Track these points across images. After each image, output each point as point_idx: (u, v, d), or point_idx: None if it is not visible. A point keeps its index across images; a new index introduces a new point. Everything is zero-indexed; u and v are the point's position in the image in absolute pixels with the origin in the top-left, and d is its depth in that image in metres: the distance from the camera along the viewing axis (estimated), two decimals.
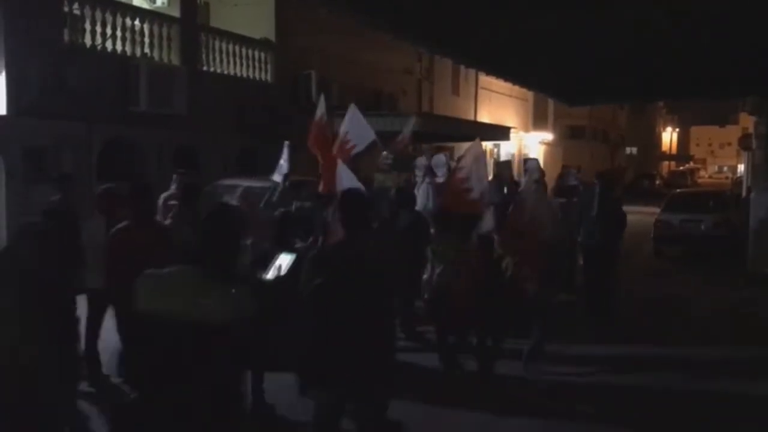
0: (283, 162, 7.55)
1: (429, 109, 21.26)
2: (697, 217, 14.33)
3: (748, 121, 30.35)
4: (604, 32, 9.66)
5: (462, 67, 23.74)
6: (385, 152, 9.60)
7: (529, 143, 32.23)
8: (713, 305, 10.23)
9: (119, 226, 4.83)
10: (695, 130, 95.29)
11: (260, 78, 14.71)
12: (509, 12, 8.73)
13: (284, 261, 3.80)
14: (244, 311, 2.77)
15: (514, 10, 8.59)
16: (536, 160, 9.76)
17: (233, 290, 2.74)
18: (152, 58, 12.05)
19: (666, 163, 64.06)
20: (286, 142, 7.75)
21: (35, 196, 9.94)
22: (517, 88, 23.36)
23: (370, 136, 7.02)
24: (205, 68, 13.32)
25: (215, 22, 14.26)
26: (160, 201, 7.55)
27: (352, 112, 7.25)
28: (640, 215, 16.63)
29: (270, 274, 3.70)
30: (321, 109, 7.44)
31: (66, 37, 10.61)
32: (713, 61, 11.69)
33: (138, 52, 11.86)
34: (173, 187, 8.05)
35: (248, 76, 14.38)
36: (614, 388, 6.29)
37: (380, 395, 3.81)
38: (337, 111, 15.42)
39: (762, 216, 12.69)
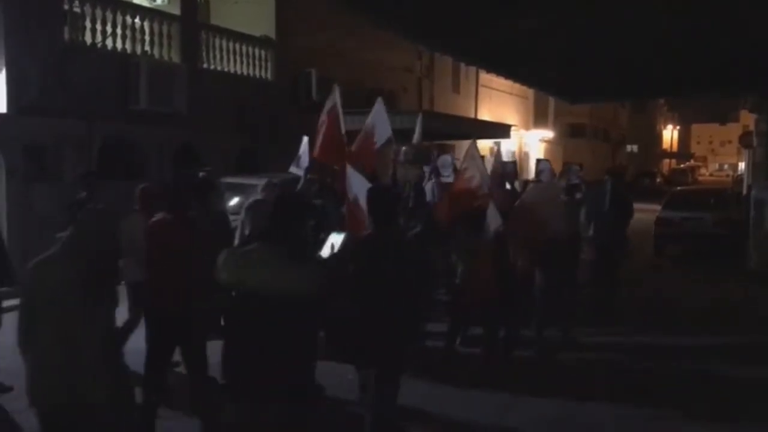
0: (302, 154, 7.72)
1: (429, 107, 21.25)
2: (697, 215, 14.31)
3: (748, 119, 30.29)
4: (605, 30, 9.64)
5: (462, 65, 23.74)
6: (405, 147, 10.31)
7: (530, 141, 32.22)
8: (714, 302, 10.24)
9: (156, 218, 4.97)
10: (696, 128, 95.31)
11: (260, 76, 14.70)
12: (510, 9, 8.72)
13: (336, 240, 4.02)
14: (318, 285, 3.15)
15: (515, 8, 8.57)
16: (548, 161, 9.92)
17: (308, 266, 3.20)
18: (152, 56, 12.05)
19: (667, 161, 64.06)
20: (306, 137, 7.90)
21: (35, 194, 9.98)
22: (517, 85, 23.35)
23: (389, 132, 7.13)
24: (205, 66, 13.31)
25: (215, 20, 14.25)
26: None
27: (379, 106, 7.31)
28: (640, 213, 16.53)
29: (325, 253, 3.86)
30: (333, 101, 7.38)
31: (66, 36, 10.60)
32: (714, 59, 11.67)
33: (138, 50, 11.86)
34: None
35: (248, 74, 14.37)
36: (625, 372, 6.69)
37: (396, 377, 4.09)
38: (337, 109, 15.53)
39: (763, 213, 12.69)
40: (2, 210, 9.66)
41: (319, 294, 3.18)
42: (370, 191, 4.45)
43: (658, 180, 41.68)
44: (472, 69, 24.42)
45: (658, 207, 15.62)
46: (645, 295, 10.41)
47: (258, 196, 7.32)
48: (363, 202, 5.37)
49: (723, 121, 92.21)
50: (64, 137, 10.36)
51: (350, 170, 6.30)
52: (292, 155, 8.16)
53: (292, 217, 3.28)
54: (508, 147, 27.58)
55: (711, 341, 7.82)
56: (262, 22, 14.77)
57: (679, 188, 19.62)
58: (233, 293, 3.14)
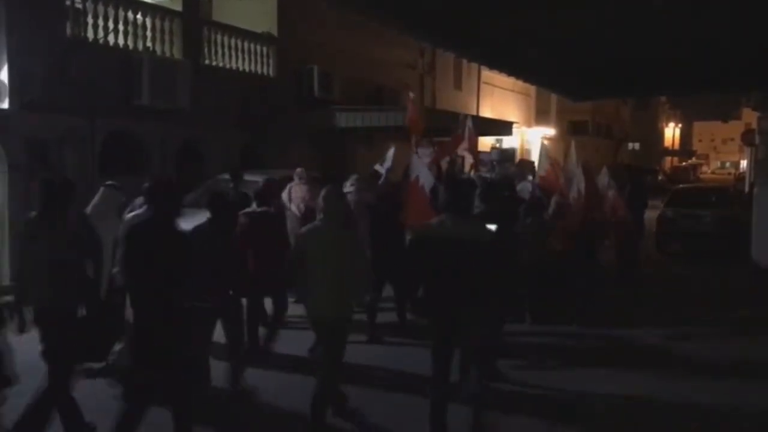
0: (389, 158, 9.58)
1: (431, 104, 21.22)
2: (699, 212, 14.30)
3: (750, 117, 30.23)
4: (608, 27, 9.63)
5: (464, 62, 23.70)
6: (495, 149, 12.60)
7: (532, 138, 32.17)
8: (715, 299, 10.26)
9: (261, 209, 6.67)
10: (698, 126, 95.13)
11: (262, 72, 14.69)
12: (512, 6, 8.70)
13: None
14: (488, 237, 4.86)
15: (518, 5, 8.56)
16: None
17: (483, 226, 5.06)
18: (155, 52, 12.04)
19: (669, 158, 63.97)
20: (393, 147, 9.89)
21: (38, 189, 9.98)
22: (519, 82, 23.33)
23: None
24: (207, 62, 13.30)
25: (217, 16, 14.23)
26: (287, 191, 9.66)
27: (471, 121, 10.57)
28: None
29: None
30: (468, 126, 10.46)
31: (68, 31, 10.60)
32: (717, 56, 11.64)
33: (140, 47, 11.85)
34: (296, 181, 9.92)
35: (250, 70, 14.37)
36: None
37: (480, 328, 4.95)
38: (337, 106, 15.53)
39: (765, 211, 12.68)
40: (4, 205, 9.67)
41: (488, 242, 4.75)
42: (454, 183, 5.41)
43: (660, 178, 41.62)
44: (474, 66, 24.38)
45: (660, 204, 15.62)
46: (646, 293, 10.44)
47: (348, 189, 8.29)
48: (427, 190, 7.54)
49: (725, 118, 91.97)
50: (66, 133, 10.37)
51: (416, 159, 8.07)
52: (293, 151, 8.51)
53: (467, 196, 4.86)
54: (510, 144, 27.58)
55: (716, 331, 8.30)
56: (264, 19, 14.76)
57: (681, 186, 19.57)
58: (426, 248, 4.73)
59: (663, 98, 54.53)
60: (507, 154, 11.62)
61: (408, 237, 6.90)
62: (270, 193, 6.98)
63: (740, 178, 31.56)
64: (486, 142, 24.73)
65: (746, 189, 19.79)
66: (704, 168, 76.40)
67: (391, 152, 9.67)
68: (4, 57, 9.64)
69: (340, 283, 4.76)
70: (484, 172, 10.75)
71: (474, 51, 12.17)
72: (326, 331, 4.87)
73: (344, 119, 15.24)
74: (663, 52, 11.32)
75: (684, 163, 61.57)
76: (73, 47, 10.53)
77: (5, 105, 9.65)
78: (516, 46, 10.90)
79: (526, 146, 30.99)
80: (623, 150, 47.07)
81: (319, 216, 4.93)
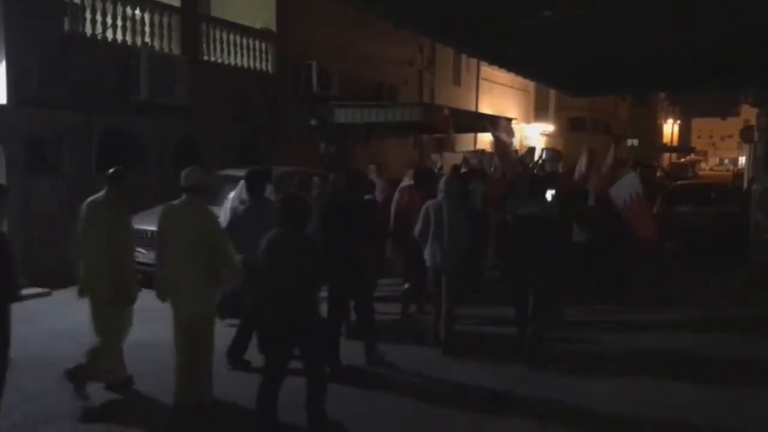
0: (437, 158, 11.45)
1: (430, 100, 21.20)
2: (698, 209, 14.30)
3: (749, 114, 30.25)
4: (607, 23, 9.60)
5: (463, 58, 23.68)
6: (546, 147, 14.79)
7: (531, 134, 32.15)
8: (716, 295, 10.27)
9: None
10: (697, 122, 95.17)
11: (261, 68, 14.65)
12: (512, 2, 8.67)
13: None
14: (555, 215, 7.00)
15: (517, 1, 8.53)
16: (553, 149, 14.18)
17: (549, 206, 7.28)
18: (153, 47, 12.00)
19: (667, 155, 63.92)
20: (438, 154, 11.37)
21: (35, 186, 9.96)
22: (518, 79, 23.31)
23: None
24: (205, 58, 13.26)
25: (216, 12, 14.18)
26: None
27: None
28: None
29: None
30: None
31: (66, 27, 10.55)
32: (717, 53, 11.62)
33: (138, 42, 11.81)
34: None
35: (249, 66, 14.33)
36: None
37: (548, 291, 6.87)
38: (336, 102, 15.51)
39: (764, 208, 12.69)
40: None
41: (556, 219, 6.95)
42: (534, 177, 8.44)
43: (659, 174, 41.55)
44: (473, 62, 24.37)
45: (658, 201, 15.60)
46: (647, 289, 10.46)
47: (407, 182, 9.19)
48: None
49: (724, 115, 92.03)
50: (64, 129, 10.34)
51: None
52: (293, 148, 8.50)
53: (542, 187, 7.30)
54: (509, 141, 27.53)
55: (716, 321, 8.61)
56: (262, 14, 14.71)
57: (679, 182, 19.57)
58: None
59: (662, 95, 54.49)
60: (557, 155, 14.32)
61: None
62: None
63: (739, 174, 31.54)
64: (485, 139, 24.72)
65: (745, 185, 19.80)
66: (702, 165, 76.42)
67: (436, 156, 11.92)
68: (2, 53, 9.60)
69: (457, 241, 6.77)
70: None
71: (472, 45, 12.15)
72: (443, 277, 6.84)
73: (343, 115, 15.22)
74: (662, 48, 11.31)
75: (682, 160, 61.53)
76: (71, 43, 10.49)
77: (3, 101, 9.62)
78: (515, 41, 10.89)
79: (525, 142, 30.96)
80: (622, 146, 46.99)
81: (440, 195, 6.88)
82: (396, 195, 8.72)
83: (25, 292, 8.74)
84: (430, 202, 6.93)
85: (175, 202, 5.42)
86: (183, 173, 5.46)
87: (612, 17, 9.33)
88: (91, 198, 5.57)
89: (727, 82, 16.24)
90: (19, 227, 9.66)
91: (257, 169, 7.13)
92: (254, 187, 6.58)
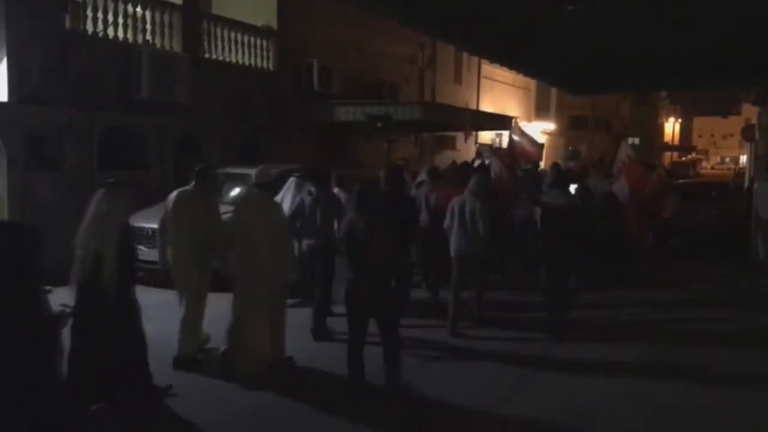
0: (487, 154, 11.63)
1: (431, 98, 21.19)
2: (699, 207, 14.28)
3: (750, 112, 30.21)
4: (608, 21, 9.59)
5: (464, 57, 23.65)
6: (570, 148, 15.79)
7: (531, 133, 32.12)
8: (717, 292, 10.28)
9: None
10: (698, 121, 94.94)
11: (262, 66, 14.65)
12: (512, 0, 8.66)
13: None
14: (578, 205, 8.07)
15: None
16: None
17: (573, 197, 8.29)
18: (154, 45, 11.99)
19: (668, 153, 63.82)
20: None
21: (36, 183, 9.96)
22: (519, 77, 23.28)
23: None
24: (206, 56, 13.26)
25: (217, 10, 14.18)
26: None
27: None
28: None
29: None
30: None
31: (67, 24, 10.55)
32: (718, 51, 11.61)
33: (140, 40, 11.81)
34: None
35: (250, 64, 14.32)
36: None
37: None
38: (338, 100, 15.50)
39: (765, 206, 12.68)
40: (3, 199, 9.65)
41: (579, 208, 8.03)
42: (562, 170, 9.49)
43: (660, 173, 41.45)
44: (474, 60, 24.33)
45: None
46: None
47: (422, 177, 10.09)
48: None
49: (725, 114, 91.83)
50: (65, 126, 10.34)
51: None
52: (294, 146, 8.83)
53: (566, 180, 8.47)
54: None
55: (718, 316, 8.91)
56: (263, 12, 14.70)
57: (680, 181, 19.55)
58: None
59: (663, 93, 54.43)
60: (578, 154, 15.31)
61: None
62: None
63: (740, 173, 31.51)
64: (486, 137, 24.72)
65: (746, 184, 19.77)
66: (704, 163, 76.31)
67: (486, 150, 13.29)
68: (3, 50, 9.60)
69: (476, 231, 7.40)
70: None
71: (473, 43, 12.13)
72: (470, 264, 7.58)
73: (343, 113, 15.22)
74: (663, 46, 11.29)
75: (684, 159, 61.47)
76: (72, 40, 10.50)
77: (4, 98, 9.62)
78: (516, 38, 10.87)
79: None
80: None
81: (466, 191, 7.56)
82: (424, 189, 9.30)
83: None
84: (455, 198, 7.67)
85: (247, 197, 6.31)
86: (255, 172, 6.29)
87: (612, 16, 9.32)
88: (179, 189, 6.40)
89: (728, 80, 16.21)
90: None
91: (322, 167, 8.43)
92: (320, 181, 7.65)
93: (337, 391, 5.61)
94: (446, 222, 7.69)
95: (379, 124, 14.20)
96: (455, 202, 7.66)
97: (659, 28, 9.95)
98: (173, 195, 6.31)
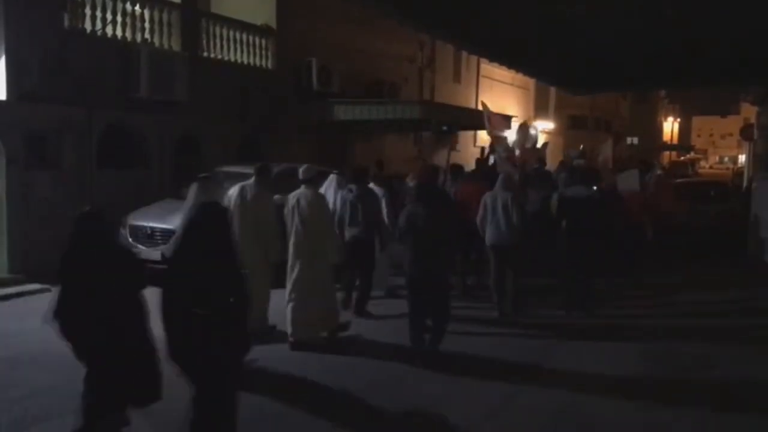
0: (501, 153, 11.66)
1: (430, 98, 21.18)
2: (698, 207, 14.28)
3: (749, 112, 30.26)
4: (607, 20, 9.59)
5: (464, 56, 23.63)
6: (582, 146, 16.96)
7: (530, 132, 32.13)
8: (715, 292, 10.29)
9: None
10: (696, 121, 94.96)
11: (261, 65, 14.64)
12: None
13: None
14: (597, 197, 8.66)
15: None
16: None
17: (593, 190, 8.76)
18: (153, 43, 11.98)
19: (667, 153, 63.86)
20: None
21: (35, 181, 9.94)
22: (518, 76, 23.27)
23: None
24: (205, 54, 13.24)
25: (216, 8, 14.16)
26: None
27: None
28: None
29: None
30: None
31: (66, 22, 10.53)
32: (716, 51, 11.61)
33: (138, 38, 11.79)
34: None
35: (249, 62, 14.31)
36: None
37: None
38: (336, 99, 15.49)
39: (764, 206, 12.69)
40: (2, 197, 9.63)
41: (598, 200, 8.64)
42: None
43: (659, 172, 41.45)
44: (474, 59, 24.32)
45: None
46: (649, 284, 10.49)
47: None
48: None
49: (724, 113, 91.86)
50: (64, 125, 10.32)
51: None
52: (293, 145, 8.85)
53: (587, 176, 8.98)
54: (509, 138, 27.50)
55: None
56: (262, 11, 14.69)
57: (679, 180, 19.57)
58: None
59: (662, 93, 54.45)
60: (584, 153, 15.59)
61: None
62: None
63: (739, 172, 31.55)
64: (486, 136, 24.68)
65: (745, 184, 19.79)
66: (702, 163, 76.35)
67: (575, 153, 13.72)
68: (2, 48, 9.58)
69: (509, 222, 8.04)
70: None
71: (472, 42, 12.13)
72: (506, 251, 8.17)
73: (343, 112, 15.22)
74: (662, 46, 11.29)
75: (682, 158, 61.49)
76: (71, 38, 10.48)
77: (3, 96, 9.60)
78: (515, 38, 10.87)
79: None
80: (622, 144, 46.97)
81: (498, 185, 8.26)
82: (448, 185, 10.04)
83: (24, 288, 8.76)
84: (487, 193, 8.35)
85: (299, 192, 6.92)
86: (301, 169, 7.13)
87: (613, 16, 9.32)
88: (241, 183, 7.03)
89: (728, 80, 16.21)
90: (19, 222, 9.66)
91: (361, 166, 9.30)
92: (359, 179, 8.43)
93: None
94: (479, 215, 8.27)
95: (444, 128, 15.12)
96: (487, 196, 8.31)
97: (659, 28, 9.95)
98: (235, 189, 6.93)
